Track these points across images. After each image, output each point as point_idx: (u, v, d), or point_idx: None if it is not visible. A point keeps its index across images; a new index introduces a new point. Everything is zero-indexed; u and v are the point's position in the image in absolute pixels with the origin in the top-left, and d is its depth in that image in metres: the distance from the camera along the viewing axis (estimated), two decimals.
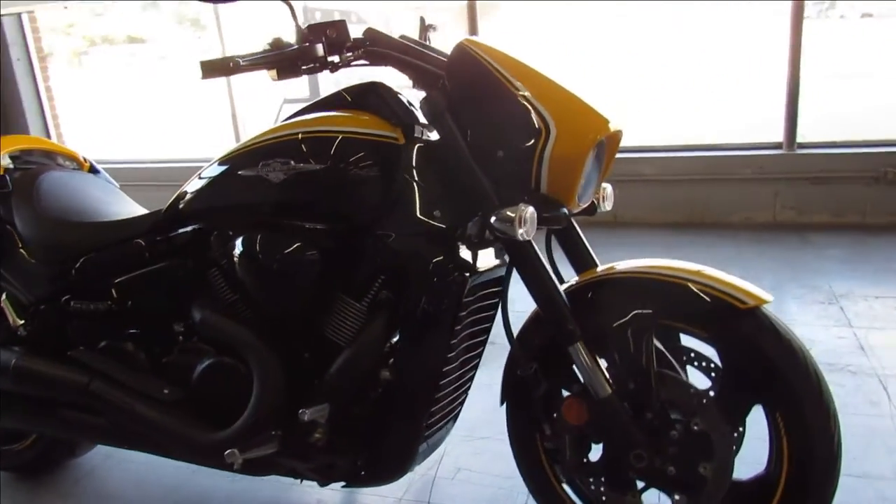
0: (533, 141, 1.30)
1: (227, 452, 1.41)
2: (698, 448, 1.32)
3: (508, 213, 1.25)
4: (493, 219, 1.27)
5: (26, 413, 1.70)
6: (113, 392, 1.58)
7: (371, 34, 1.45)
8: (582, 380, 1.36)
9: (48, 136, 5.33)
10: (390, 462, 1.51)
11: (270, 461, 1.49)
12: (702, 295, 1.28)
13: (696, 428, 1.31)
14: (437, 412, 1.53)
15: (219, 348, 1.57)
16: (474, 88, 1.37)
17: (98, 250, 1.72)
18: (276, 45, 1.37)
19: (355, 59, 1.44)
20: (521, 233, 1.25)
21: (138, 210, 1.90)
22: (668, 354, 1.39)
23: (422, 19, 1.72)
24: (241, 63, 1.31)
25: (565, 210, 1.37)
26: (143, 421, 1.56)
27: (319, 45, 1.38)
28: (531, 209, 1.27)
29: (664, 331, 1.39)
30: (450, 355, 1.46)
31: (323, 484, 1.55)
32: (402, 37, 1.56)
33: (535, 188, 1.34)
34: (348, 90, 1.51)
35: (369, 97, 1.48)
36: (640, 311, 1.31)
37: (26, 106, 5.17)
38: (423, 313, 1.42)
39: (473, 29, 4.13)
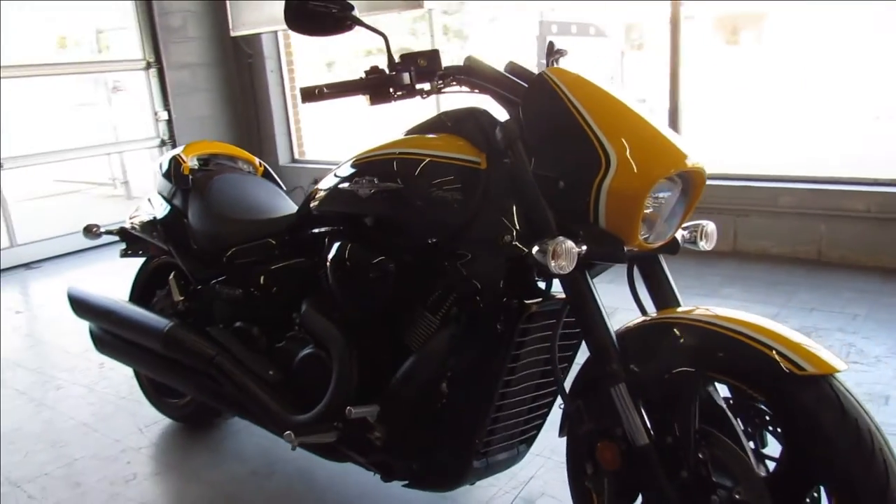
0: (592, 173, 1.28)
1: (284, 433, 1.58)
2: None
3: (546, 244, 1.25)
4: (534, 249, 1.28)
5: (175, 375, 2.03)
6: (230, 366, 1.84)
7: (469, 63, 1.52)
8: (622, 424, 1.31)
9: (290, 136, 6.12)
10: (443, 472, 1.57)
11: (332, 448, 1.64)
12: (757, 354, 1.16)
13: (737, 497, 1.20)
14: (499, 431, 1.56)
15: (317, 341, 1.75)
16: (545, 117, 1.37)
17: (245, 244, 2.00)
18: (372, 72, 1.50)
19: (446, 87, 1.53)
20: (554, 266, 1.24)
21: (292, 210, 2.16)
22: (730, 414, 1.28)
23: (550, 44, 1.76)
24: (326, 91, 1.47)
25: (624, 247, 1.33)
26: (248, 394, 1.79)
27: (407, 73, 1.49)
28: (568, 243, 1.25)
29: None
30: (508, 378, 1.48)
31: (385, 479, 1.66)
32: (511, 63, 1.61)
33: (594, 221, 1.31)
34: (448, 114, 1.59)
35: (465, 122, 1.54)
36: (689, 361, 1.24)
37: (274, 111, 5.97)
38: (484, 333, 1.47)
39: (676, 36, 3.96)
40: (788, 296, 3.18)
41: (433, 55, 1.53)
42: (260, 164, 2.42)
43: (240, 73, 6.00)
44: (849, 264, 3.52)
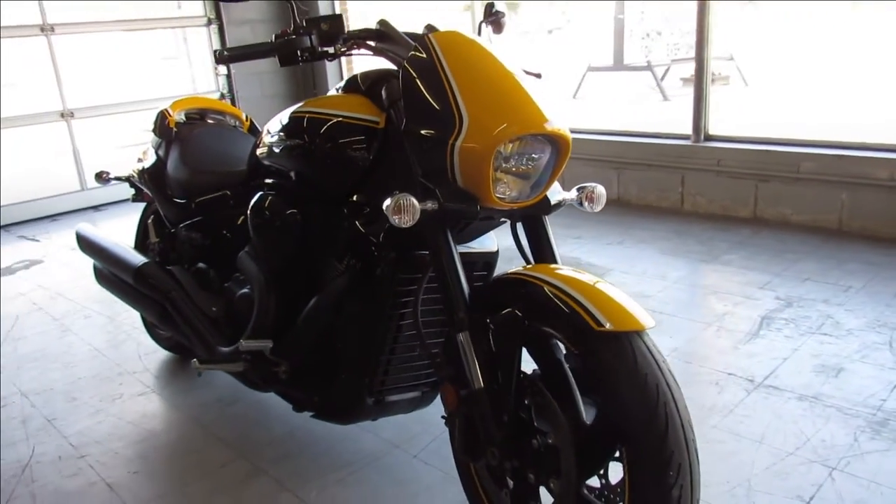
0: (447, 133, 1.36)
1: (192, 360, 1.78)
2: (548, 462, 1.30)
3: (389, 199, 1.35)
4: (384, 204, 1.38)
5: (144, 306, 2.27)
6: (180, 301, 2.05)
7: (380, 26, 1.62)
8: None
9: None
10: (338, 406, 1.73)
11: (248, 378, 1.83)
12: (563, 307, 1.23)
13: (550, 442, 1.29)
14: (392, 373, 1.69)
15: (249, 283, 1.93)
16: (419, 79, 1.45)
17: (209, 194, 2.19)
18: (280, 36, 1.62)
19: (349, 50, 1.64)
20: (397, 220, 1.34)
21: None
22: (566, 367, 1.36)
23: (489, 6, 1.83)
24: (238, 53, 1.61)
25: (477, 205, 1.40)
26: (190, 326, 2.01)
27: (309, 37, 1.60)
28: (410, 199, 1.33)
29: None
30: (400, 323, 1.61)
31: (295, 409, 1.83)
32: (428, 26, 1.69)
33: (453, 180, 1.40)
34: (362, 75, 1.70)
35: (376, 83, 1.65)
36: (512, 312, 1.32)
37: (328, 65, 6.17)
38: (373, 281, 1.59)
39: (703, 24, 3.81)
40: (788, 265, 3.10)
41: (337, 20, 1.63)
42: (247, 118, 2.59)
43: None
44: (867, 235, 3.36)
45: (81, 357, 2.76)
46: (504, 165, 1.39)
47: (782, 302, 2.74)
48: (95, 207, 5.32)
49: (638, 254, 3.41)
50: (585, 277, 1.31)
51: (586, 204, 1.60)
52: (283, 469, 1.93)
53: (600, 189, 1.60)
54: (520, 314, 1.30)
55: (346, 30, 1.63)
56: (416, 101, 1.45)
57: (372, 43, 1.62)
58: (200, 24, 5.74)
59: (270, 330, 1.78)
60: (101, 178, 2.68)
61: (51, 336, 3.00)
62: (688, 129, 3.98)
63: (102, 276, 2.51)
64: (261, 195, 1.80)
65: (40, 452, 2.11)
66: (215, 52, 1.64)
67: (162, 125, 2.39)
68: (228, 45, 5.80)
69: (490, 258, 1.74)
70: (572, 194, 1.59)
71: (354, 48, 1.64)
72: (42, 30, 4.94)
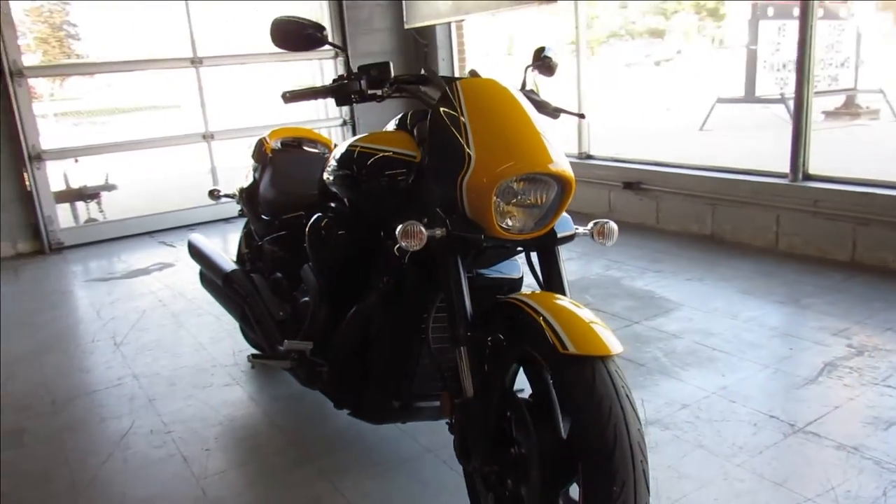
0: (458, 170, 1.54)
1: (248, 355, 2.05)
2: (521, 471, 1.43)
3: (400, 226, 1.54)
4: (397, 230, 1.57)
5: (230, 307, 2.60)
6: (256, 305, 2.36)
7: (426, 73, 1.85)
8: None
9: None
10: (369, 407, 1.93)
11: (298, 376, 2.08)
12: (537, 330, 1.37)
13: (523, 453, 1.43)
14: (417, 381, 1.87)
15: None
16: (443, 121, 1.65)
17: (288, 213, 2.49)
18: (337, 80, 1.88)
19: (393, 93, 1.87)
20: (403, 244, 1.52)
21: None
22: (551, 385, 1.48)
23: (536, 51, 2.03)
24: (301, 94, 1.88)
25: (482, 234, 1.56)
26: (261, 327, 2.30)
27: (360, 81, 1.84)
28: (416, 226, 1.51)
29: None
30: (415, 336, 1.80)
31: (336, 407, 2.06)
32: (471, 72, 1.90)
33: (462, 211, 1.58)
34: (412, 114, 1.93)
35: (419, 121, 1.87)
36: (505, 335, 1.47)
37: None
38: (402, 298, 1.80)
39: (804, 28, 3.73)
40: (873, 313, 2.97)
41: (384, 67, 1.86)
42: (335, 146, 2.90)
43: (417, 60, 6.60)
44: None
45: (187, 349, 3.16)
46: (512, 200, 1.55)
47: (853, 350, 2.64)
48: (226, 220, 5.92)
49: (715, 291, 3.38)
50: (567, 305, 1.44)
51: (597, 238, 1.72)
52: (327, 461, 2.17)
53: (612, 225, 1.71)
54: (503, 335, 1.46)
55: (391, 75, 1.86)
56: (437, 139, 1.64)
57: (412, 87, 1.83)
58: (330, 56, 6.26)
59: (318, 334, 2.03)
60: (213, 195, 3.08)
61: (167, 329, 3.45)
62: (812, 166, 3.87)
63: (205, 280, 2.89)
64: (317, 217, 2.06)
65: (137, 425, 2.48)
66: (282, 94, 1.91)
67: (259, 151, 2.73)
68: (353, 56, 6.28)
69: (513, 283, 1.88)
70: (586, 228, 1.72)
71: (397, 92, 1.86)
72: (192, 62, 5.63)
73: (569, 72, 5.51)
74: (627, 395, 1.31)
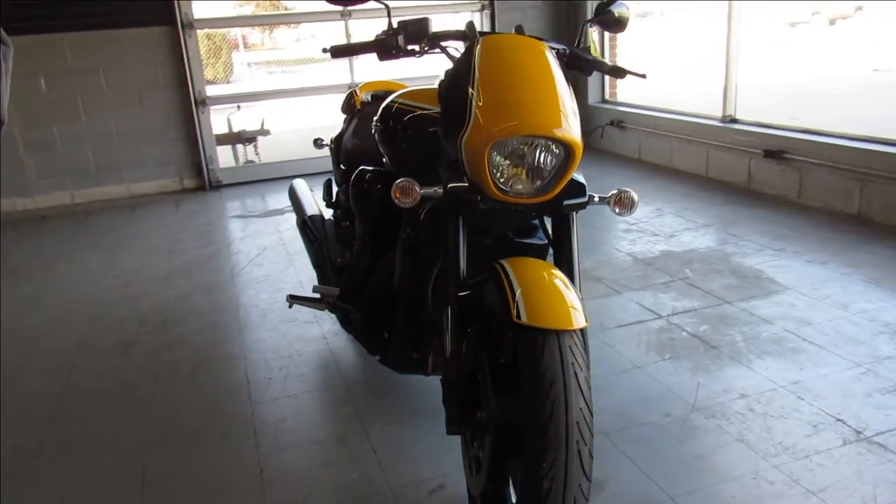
0: (459, 129, 1.53)
1: (287, 295, 2.18)
2: (481, 434, 1.43)
3: (395, 182, 1.56)
4: (392, 187, 1.59)
5: (308, 247, 2.76)
6: (322, 248, 2.49)
7: (467, 29, 1.83)
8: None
9: (603, 76, 6.34)
10: (391, 356, 2.00)
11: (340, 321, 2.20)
12: (500, 296, 1.35)
13: (483, 417, 1.43)
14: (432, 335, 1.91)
15: None
16: (461, 77, 1.63)
17: (360, 165, 2.58)
18: (379, 35, 1.92)
19: (430, 49, 1.87)
20: (397, 200, 1.55)
21: None
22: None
23: (598, 6, 1.94)
24: (345, 49, 1.93)
25: (478, 196, 1.54)
26: (320, 269, 2.44)
27: (397, 37, 1.86)
28: (410, 183, 1.53)
29: None
30: (425, 290, 1.83)
31: (370, 353, 2.15)
32: (517, 28, 1.86)
33: (464, 172, 1.57)
34: (447, 70, 1.93)
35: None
36: (479, 300, 1.46)
37: None
38: (421, 251, 1.83)
39: None
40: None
41: (423, 22, 1.86)
42: None
43: (568, 11, 6.38)
44: None
45: (288, 285, 3.42)
46: (511, 162, 1.51)
47: None
48: None
49: (835, 277, 3.03)
50: (542, 274, 1.40)
51: (615, 208, 1.63)
52: (364, 403, 2.28)
53: (632, 195, 1.63)
54: (479, 299, 1.44)
55: (429, 31, 1.85)
56: (447, 97, 1.64)
57: (447, 43, 1.82)
58: (475, 8, 6.24)
59: (353, 282, 2.12)
60: (317, 144, 3.25)
61: (278, 266, 3.75)
62: None
63: (298, 223, 3.10)
64: (361, 170, 2.12)
65: (221, 350, 2.75)
66: (325, 48, 1.98)
67: (349, 103, 2.84)
68: (498, 28, 6.23)
69: (540, 249, 1.83)
70: (604, 196, 1.64)
71: (435, 48, 1.85)
72: (342, 15, 5.88)
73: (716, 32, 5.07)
74: (576, 373, 1.26)
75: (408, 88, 2.01)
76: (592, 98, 6.39)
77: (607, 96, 6.40)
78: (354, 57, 2.11)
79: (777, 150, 4.29)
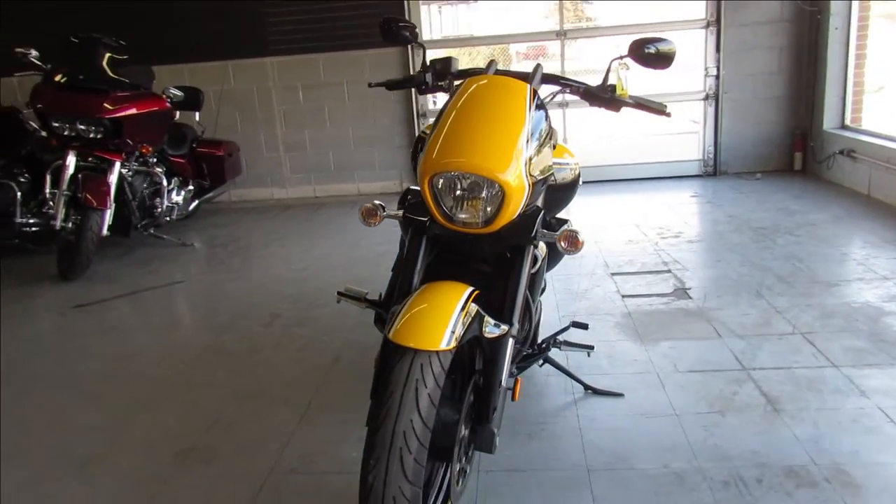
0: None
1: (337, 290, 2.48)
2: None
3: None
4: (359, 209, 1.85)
5: None
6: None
7: (489, 66, 2.03)
8: None
9: (844, 99, 5.63)
10: None
11: None
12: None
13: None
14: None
15: None
16: (440, 112, 1.82)
17: None
18: (417, 71, 2.17)
19: (450, 85, 2.08)
20: (362, 221, 1.81)
21: None
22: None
23: (610, 63, 2.00)
24: (386, 84, 2.22)
25: (426, 220, 1.73)
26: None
27: (426, 74, 2.11)
28: (373, 206, 1.79)
29: None
30: None
31: None
32: (537, 66, 2.01)
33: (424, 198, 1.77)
34: None
35: None
36: None
37: (830, 70, 5.59)
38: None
39: None
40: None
41: (447, 62, 2.10)
42: None
43: (808, 30, 5.79)
44: None
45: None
46: (449, 194, 1.68)
47: None
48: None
49: None
50: (441, 298, 1.54)
51: (562, 245, 1.71)
52: None
53: (579, 236, 1.68)
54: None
55: (451, 69, 2.06)
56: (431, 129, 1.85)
57: (453, 81, 2.01)
58: (699, 26, 5.97)
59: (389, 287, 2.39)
60: None
61: None
62: None
63: None
64: (407, 189, 2.37)
65: (340, 335, 3.20)
66: (370, 83, 2.29)
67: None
68: (723, 46, 5.89)
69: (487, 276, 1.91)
70: (552, 235, 1.72)
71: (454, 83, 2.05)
72: (557, 35, 6.07)
73: None
74: (417, 388, 1.40)
75: None
76: (829, 123, 5.70)
77: (848, 121, 5.66)
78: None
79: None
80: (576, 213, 5.40)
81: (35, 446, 2.39)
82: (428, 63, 2.14)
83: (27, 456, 2.33)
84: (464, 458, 1.71)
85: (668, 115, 1.97)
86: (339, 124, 6.49)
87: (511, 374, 1.90)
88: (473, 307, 1.58)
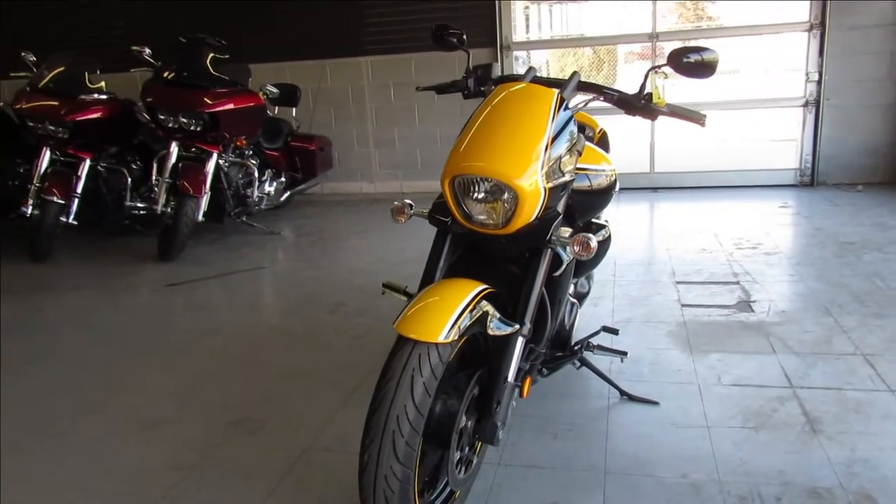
0: None
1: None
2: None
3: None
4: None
5: None
6: None
7: (528, 72, 2.11)
8: None
9: None
10: None
11: None
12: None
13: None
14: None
15: None
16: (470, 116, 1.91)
17: None
18: (462, 76, 2.27)
19: (489, 90, 2.16)
20: (392, 217, 1.92)
21: None
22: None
23: (647, 72, 2.03)
24: (422, 87, 2.33)
25: (447, 220, 1.83)
26: None
27: (467, 80, 2.20)
28: (402, 205, 1.91)
29: None
30: None
31: None
32: (575, 72, 2.07)
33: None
34: None
35: None
36: None
37: None
38: None
39: None
40: None
41: (487, 67, 2.18)
42: (600, 131, 3.08)
43: None
44: None
45: None
46: (469, 196, 1.76)
47: None
48: (654, 189, 6.19)
49: None
50: (450, 294, 1.64)
51: (574, 249, 1.75)
52: None
53: (592, 242, 1.73)
54: None
55: (492, 75, 2.14)
56: None
57: (492, 86, 2.09)
58: (801, 29, 5.69)
59: None
60: None
61: None
62: None
63: None
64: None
65: None
66: (417, 87, 2.40)
67: None
68: (827, 50, 5.59)
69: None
70: (565, 237, 1.77)
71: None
72: (650, 38, 5.96)
73: None
74: (413, 377, 1.50)
75: None
76: None
77: None
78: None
79: None
80: (654, 219, 5.32)
81: (112, 405, 2.67)
82: (470, 69, 2.22)
83: (104, 413, 2.61)
84: (467, 448, 1.79)
85: (703, 124, 1.96)
86: (427, 123, 6.66)
87: (526, 373, 1.96)
88: (484, 304, 1.66)
